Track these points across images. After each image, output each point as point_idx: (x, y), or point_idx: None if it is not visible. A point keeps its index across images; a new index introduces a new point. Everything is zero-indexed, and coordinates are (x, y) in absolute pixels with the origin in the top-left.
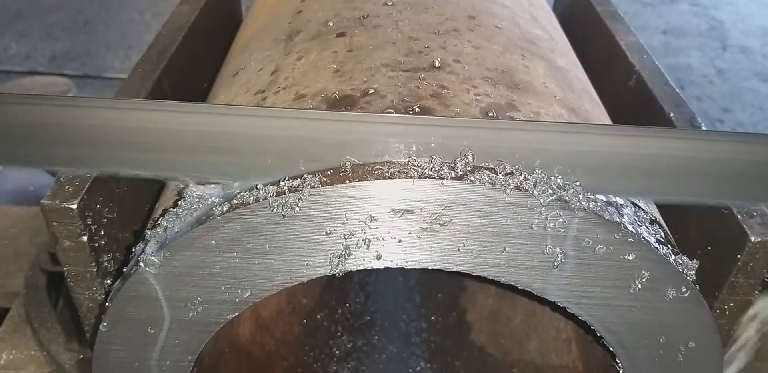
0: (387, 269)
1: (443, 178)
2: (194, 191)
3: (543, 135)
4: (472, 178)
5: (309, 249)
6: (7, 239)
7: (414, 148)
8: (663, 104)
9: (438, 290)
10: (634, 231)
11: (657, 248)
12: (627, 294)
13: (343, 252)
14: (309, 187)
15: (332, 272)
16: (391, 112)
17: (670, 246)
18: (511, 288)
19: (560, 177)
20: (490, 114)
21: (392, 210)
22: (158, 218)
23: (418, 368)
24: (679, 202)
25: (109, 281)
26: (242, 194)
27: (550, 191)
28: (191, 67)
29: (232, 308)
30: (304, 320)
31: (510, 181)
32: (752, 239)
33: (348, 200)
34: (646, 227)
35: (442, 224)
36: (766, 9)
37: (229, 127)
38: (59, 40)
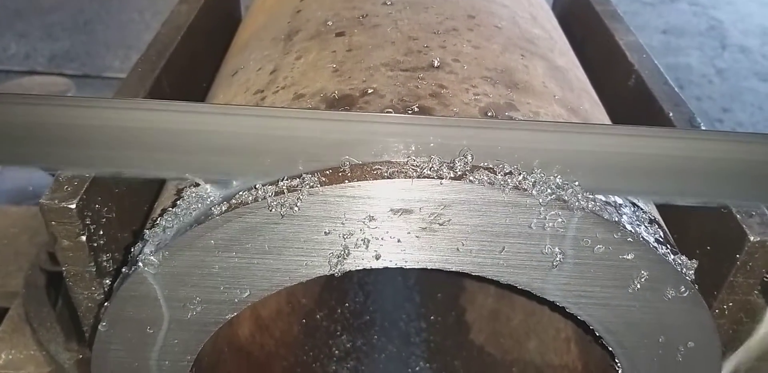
0: (386, 268)
1: (442, 178)
2: (193, 191)
3: (542, 135)
4: (471, 178)
5: (308, 249)
6: (7, 239)
7: (413, 148)
8: (662, 104)
9: (437, 289)
10: (632, 231)
11: (656, 247)
12: (626, 294)
13: (342, 252)
14: (308, 187)
15: (331, 272)
16: (390, 112)
17: (669, 246)
18: (511, 288)
19: (559, 177)
20: (489, 114)
21: (391, 210)
22: (157, 218)
23: (417, 368)
24: (678, 202)
25: (108, 281)
26: (241, 193)
27: (548, 190)
28: (190, 67)
29: (231, 308)
30: (304, 320)
31: (509, 180)
32: (751, 238)
33: (347, 199)
34: (645, 226)
35: (441, 224)
36: (765, 8)
37: (228, 127)
38: (59, 40)
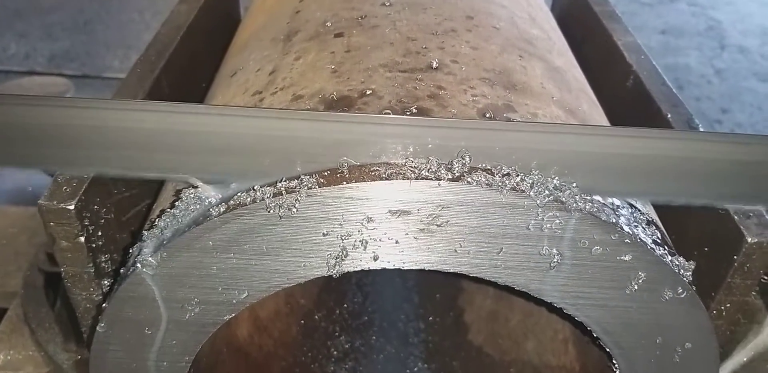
0: (385, 269)
1: (440, 180)
2: (191, 192)
3: (540, 136)
4: (468, 179)
5: (306, 250)
6: (6, 239)
7: (411, 149)
8: (660, 105)
9: (436, 290)
10: (630, 232)
11: (653, 249)
12: (623, 295)
13: (340, 253)
14: (306, 188)
15: (329, 273)
16: (389, 113)
17: (666, 247)
18: (509, 289)
19: (556, 178)
20: (487, 115)
21: (389, 211)
22: (156, 219)
23: (415, 369)
24: (676, 203)
25: (106, 282)
26: (239, 194)
27: (546, 192)
28: (189, 67)
29: (230, 308)
30: (302, 321)
31: (507, 182)
32: (749, 239)
33: (345, 201)
34: (643, 228)
35: (438, 225)
36: (764, 8)
37: (227, 128)
38: (59, 40)
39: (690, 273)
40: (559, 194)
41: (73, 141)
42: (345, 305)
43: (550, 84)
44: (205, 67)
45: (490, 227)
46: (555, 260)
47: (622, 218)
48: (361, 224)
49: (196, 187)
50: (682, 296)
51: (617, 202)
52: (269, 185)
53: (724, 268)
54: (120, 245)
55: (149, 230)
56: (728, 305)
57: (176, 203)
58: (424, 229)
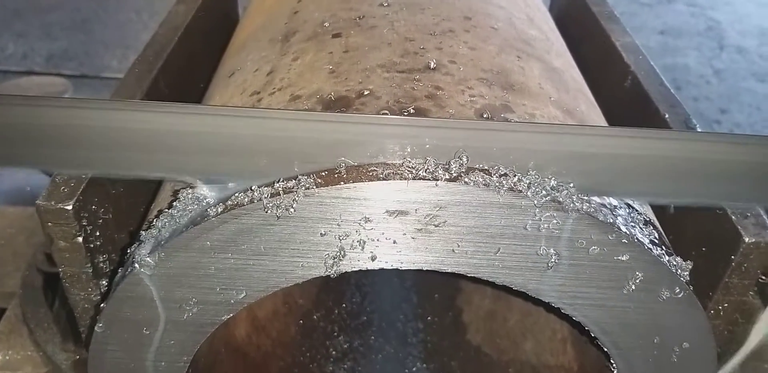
0: (383, 269)
1: (437, 180)
2: (189, 192)
3: (537, 136)
4: (466, 179)
5: (304, 250)
6: (4, 240)
7: (409, 150)
8: (658, 105)
9: (434, 290)
10: (627, 232)
11: (651, 249)
12: (621, 295)
13: (338, 253)
14: (303, 188)
15: (327, 273)
16: (386, 114)
17: (664, 247)
18: (507, 289)
19: (554, 178)
20: (484, 115)
21: (387, 211)
22: (153, 219)
23: (414, 369)
24: (673, 203)
25: (104, 282)
26: (237, 195)
27: (543, 192)
28: (187, 68)
29: (228, 308)
30: (301, 321)
31: (504, 182)
32: (746, 239)
33: (343, 201)
34: (640, 228)
35: (436, 225)
36: (763, 9)
37: (224, 129)
38: (57, 40)
39: (687, 273)
40: (557, 194)
41: (71, 141)
42: (344, 305)
43: (548, 84)
44: (203, 67)
45: (488, 227)
46: (552, 260)
47: (619, 218)
48: (359, 224)
49: (194, 187)
50: (680, 296)
51: (614, 202)
52: (267, 186)
53: (722, 268)
54: (118, 245)
55: (147, 230)
56: (726, 305)
57: (174, 203)
58: (421, 229)
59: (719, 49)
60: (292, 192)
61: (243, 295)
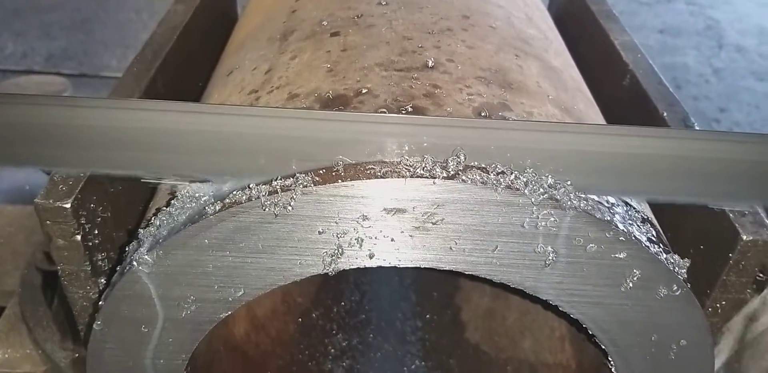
0: (382, 268)
1: (435, 178)
2: (187, 191)
3: (535, 135)
4: (463, 177)
5: (302, 248)
6: (3, 238)
7: (406, 148)
8: (657, 104)
9: (433, 288)
10: (625, 230)
11: (648, 246)
12: (618, 293)
13: (336, 251)
14: (301, 186)
15: (325, 271)
16: (384, 112)
17: (661, 245)
18: (505, 287)
19: (551, 176)
20: (482, 114)
21: (384, 209)
22: (152, 217)
23: (413, 367)
24: (671, 201)
25: (103, 280)
26: (235, 193)
27: (541, 190)
28: (186, 67)
29: (226, 306)
30: (300, 319)
31: (501, 180)
32: (744, 237)
33: (340, 199)
34: (638, 225)
35: (434, 223)
36: (762, 8)
37: (222, 127)
38: (56, 39)
39: (685, 271)
40: (554, 192)
41: (70, 140)
42: (342, 304)
43: (546, 83)
44: (201, 66)
45: (485, 224)
46: (550, 258)
47: (616, 215)
48: (357, 222)
49: (192, 185)
50: (677, 293)
51: (612, 200)
52: (265, 183)
53: (720, 266)
54: (116, 244)
55: (145, 228)
56: (724, 303)
57: (172, 202)
58: (419, 227)
59: (718, 48)
60: (289, 190)
61: (241, 293)
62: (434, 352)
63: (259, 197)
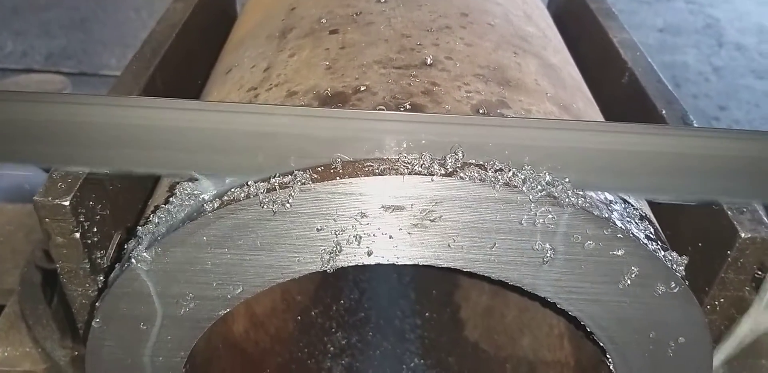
0: (381, 266)
1: (433, 175)
2: (186, 188)
3: (533, 132)
4: (461, 174)
5: (300, 245)
6: (3, 237)
7: (405, 145)
8: (655, 101)
9: (432, 287)
10: (623, 227)
11: (646, 243)
12: (616, 290)
13: (334, 248)
14: (299, 183)
15: (323, 268)
16: (383, 109)
17: (659, 242)
18: (503, 284)
19: (549, 173)
20: (480, 111)
21: (383, 206)
22: (150, 215)
23: (412, 365)
24: (669, 198)
25: (101, 278)
26: (233, 190)
27: (539, 187)
28: (185, 65)
29: (224, 304)
30: (299, 317)
31: (499, 177)
32: (742, 235)
33: (338, 196)
34: (636, 223)
35: (432, 220)
36: (762, 7)
37: (221, 124)
38: (56, 38)
39: (683, 268)
40: (552, 189)
41: (68, 137)
42: (341, 302)
43: (545, 81)
44: (200, 64)
45: (483, 222)
46: (548, 255)
47: (614, 213)
48: (355, 219)
49: (190, 183)
50: (675, 290)
51: (610, 197)
52: (263, 181)
53: (718, 263)
54: (115, 241)
55: (144, 225)
56: (722, 300)
57: (170, 199)
58: (417, 224)
59: (718, 46)
60: (288, 187)
61: (239, 290)
62: (433, 350)
63: (257, 195)
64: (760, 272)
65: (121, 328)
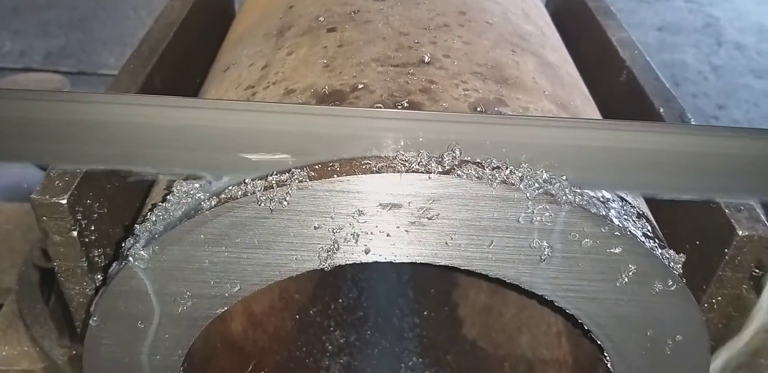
0: (379, 264)
1: (430, 173)
2: (183, 186)
3: (530, 129)
4: (459, 172)
5: (297, 243)
6: (1, 236)
7: (402, 143)
8: (653, 100)
9: (430, 285)
10: (620, 225)
11: (643, 241)
12: (614, 288)
13: (332, 246)
14: (297, 181)
15: (321, 266)
16: (380, 107)
17: (657, 240)
18: (501, 282)
19: (546, 171)
20: (478, 109)
21: (380, 204)
22: (148, 213)
23: (410, 363)
24: (666, 196)
25: (99, 277)
26: (230, 188)
27: (536, 184)
28: (183, 63)
29: (222, 302)
30: (297, 316)
31: (497, 175)
32: (740, 233)
33: (336, 194)
34: (633, 220)
35: (429, 218)
36: (761, 6)
37: (218, 122)
38: (55, 37)
39: (680, 266)
40: (549, 187)
41: (66, 135)
42: (340, 300)
43: (543, 79)
44: (198, 62)
45: (481, 219)
46: (545, 253)
47: (612, 211)
48: (353, 217)
49: (188, 180)
50: (673, 288)
51: (607, 195)
52: (260, 179)
53: (716, 261)
54: (113, 240)
55: (141, 223)
56: (720, 299)
57: (168, 197)
58: (415, 222)
59: (717, 45)
60: (285, 185)
61: (237, 288)
62: (432, 348)
63: (254, 192)
64: (757, 270)
65: (119, 326)
